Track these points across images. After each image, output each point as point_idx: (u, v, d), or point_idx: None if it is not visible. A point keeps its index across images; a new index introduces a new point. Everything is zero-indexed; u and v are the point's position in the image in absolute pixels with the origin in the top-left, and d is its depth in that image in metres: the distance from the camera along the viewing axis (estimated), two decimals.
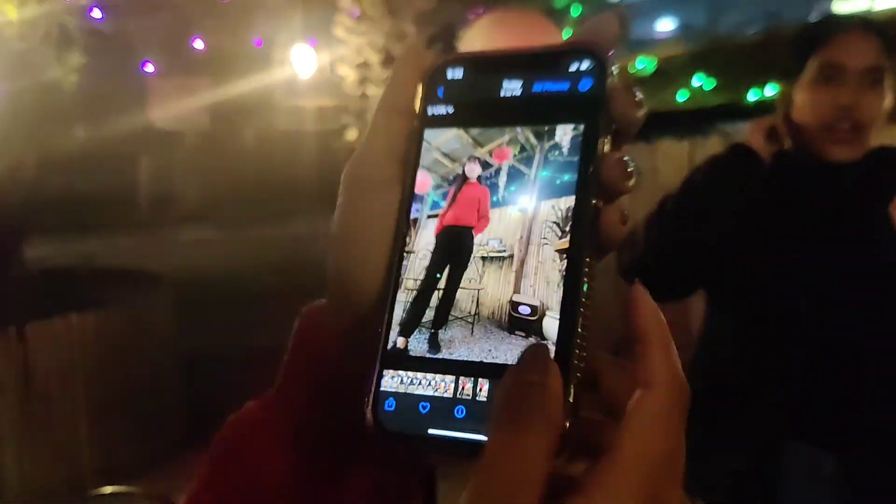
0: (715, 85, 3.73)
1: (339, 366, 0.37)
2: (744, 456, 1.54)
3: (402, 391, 0.34)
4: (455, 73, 0.38)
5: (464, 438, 0.31)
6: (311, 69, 2.91)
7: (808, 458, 1.50)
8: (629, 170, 0.33)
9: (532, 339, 0.32)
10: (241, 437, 0.40)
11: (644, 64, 4.17)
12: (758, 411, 1.55)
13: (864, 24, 1.59)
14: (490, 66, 0.38)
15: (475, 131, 0.36)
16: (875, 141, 1.63)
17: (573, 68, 0.35)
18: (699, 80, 3.75)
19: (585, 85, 0.34)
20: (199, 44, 4.30)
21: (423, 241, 0.37)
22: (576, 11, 4.08)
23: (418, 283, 0.36)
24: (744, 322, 1.63)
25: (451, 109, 0.37)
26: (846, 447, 1.47)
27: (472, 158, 0.36)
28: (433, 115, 0.38)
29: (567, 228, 0.34)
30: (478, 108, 0.36)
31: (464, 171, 0.36)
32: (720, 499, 1.59)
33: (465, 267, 0.36)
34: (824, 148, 1.57)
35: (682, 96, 3.84)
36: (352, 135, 2.76)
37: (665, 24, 15.85)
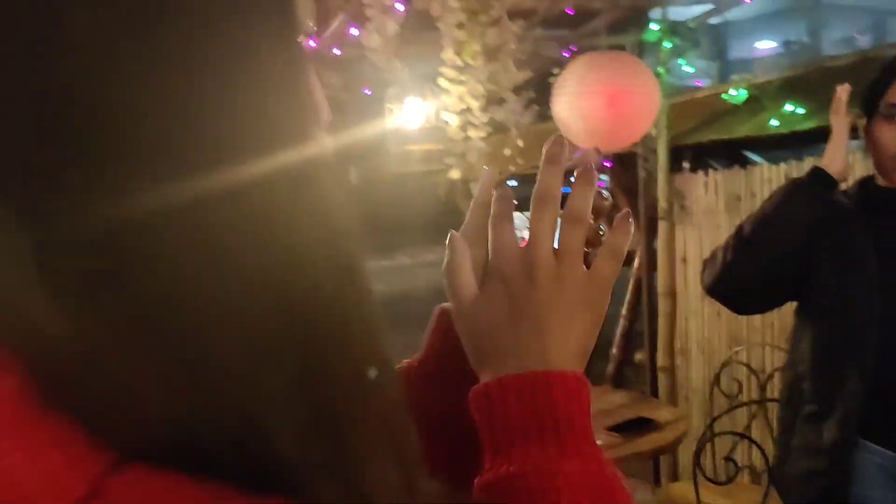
0: (806, 111, 3.80)
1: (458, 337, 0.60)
2: (821, 456, 1.66)
3: None
4: (511, 182, 0.64)
5: None
6: (419, 117, 3.18)
7: (884, 460, 1.61)
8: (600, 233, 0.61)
9: None
10: (405, 380, 0.64)
11: (737, 92, 4.26)
12: (835, 415, 1.67)
13: None
14: (526, 178, 0.63)
15: (527, 213, 0.58)
16: None
17: (571, 179, 0.58)
18: (791, 106, 3.83)
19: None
20: None
21: None
22: (668, 44, 4.20)
23: None
24: (822, 333, 1.76)
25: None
26: None
27: (526, 227, 0.57)
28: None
29: None
30: (525, 200, 0.59)
31: (522, 235, 0.59)
32: (798, 497, 1.71)
33: None
34: (894, 175, 1.70)
35: (774, 122, 3.91)
36: (455, 174, 2.99)
37: (765, 44, 15.59)
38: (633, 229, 0.58)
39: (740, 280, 1.81)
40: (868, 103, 1.75)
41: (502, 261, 0.55)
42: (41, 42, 0.29)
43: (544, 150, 0.58)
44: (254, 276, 0.31)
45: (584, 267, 0.56)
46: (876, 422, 1.64)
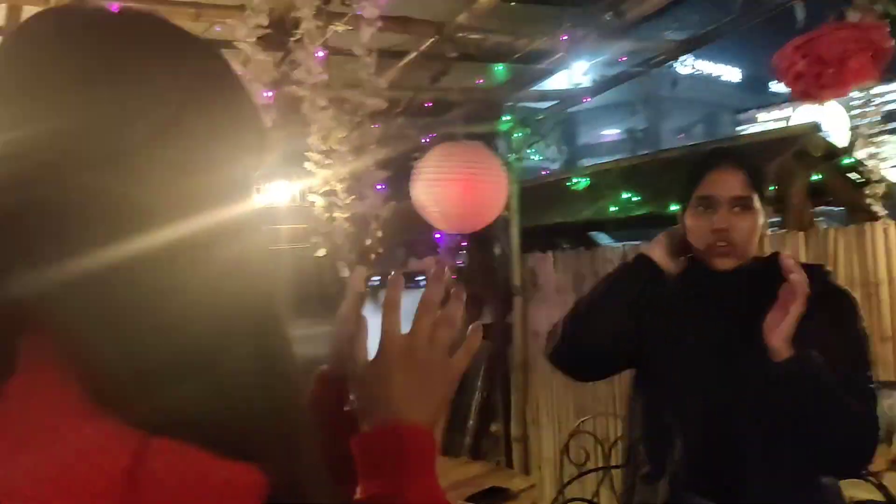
0: (640, 198, 4.21)
1: (338, 390, 0.80)
2: None
3: None
4: (375, 278, 0.83)
5: None
6: (286, 198, 3.30)
7: None
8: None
9: None
10: None
11: (579, 180, 4.66)
12: (665, 475, 1.85)
13: (732, 160, 1.90)
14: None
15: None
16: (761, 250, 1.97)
17: None
18: (627, 194, 4.24)
19: None
20: None
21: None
22: (518, 134, 4.53)
23: None
24: (652, 399, 1.94)
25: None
26: (733, 499, 1.78)
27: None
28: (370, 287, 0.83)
29: None
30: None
31: None
32: None
33: None
34: (710, 260, 1.92)
35: (613, 208, 4.31)
36: (321, 252, 3.11)
37: (610, 131, 16.79)
38: (479, 337, 0.80)
39: (576, 350, 1.98)
40: (683, 194, 1.96)
41: (389, 342, 0.76)
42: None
43: (428, 273, 0.80)
44: (218, 303, 0.51)
45: (446, 354, 0.77)
46: (703, 478, 1.82)
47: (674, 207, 2.06)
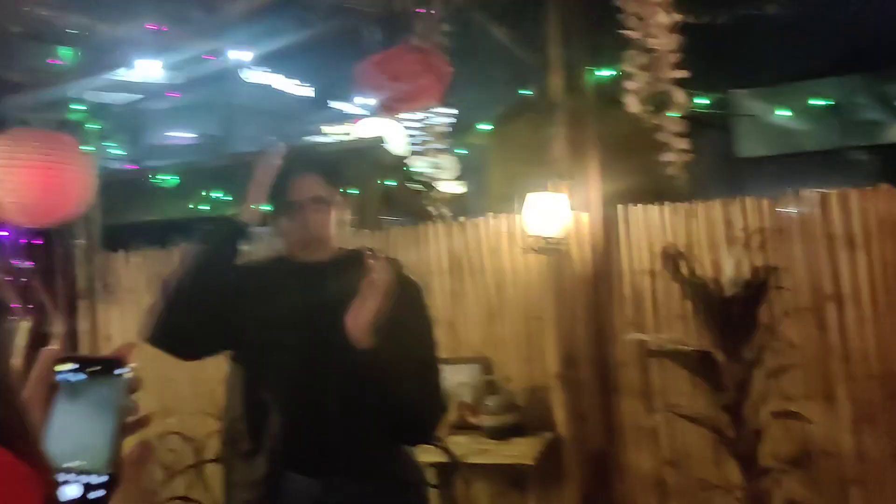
0: (232, 198, 4.27)
1: None
2: (256, 487, 1.93)
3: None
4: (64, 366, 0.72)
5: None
6: None
7: (301, 484, 1.93)
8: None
9: None
10: None
11: (168, 177, 4.56)
12: (263, 451, 1.95)
13: (310, 166, 2.07)
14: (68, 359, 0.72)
15: None
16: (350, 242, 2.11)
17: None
18: (216, 194, 4.28)
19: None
20: None
21: None
22: (93, 126, 4.27)
23: None
24: (250, 379, 2.01)
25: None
26: (325, 475, 1.92)
27: None
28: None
29: None
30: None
31: None
32: None
33: None
34: (300, 253, 2.06)
35: (204, 206, 4.30)
36: None
37: (183, 133, 16.36)
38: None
39: (172, 328, 1.95)
40: (272, 200, 2.06)
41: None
42: None
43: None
44: None
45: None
46: (295, 454, 1.94)
47: (265, 208, 2.13)
